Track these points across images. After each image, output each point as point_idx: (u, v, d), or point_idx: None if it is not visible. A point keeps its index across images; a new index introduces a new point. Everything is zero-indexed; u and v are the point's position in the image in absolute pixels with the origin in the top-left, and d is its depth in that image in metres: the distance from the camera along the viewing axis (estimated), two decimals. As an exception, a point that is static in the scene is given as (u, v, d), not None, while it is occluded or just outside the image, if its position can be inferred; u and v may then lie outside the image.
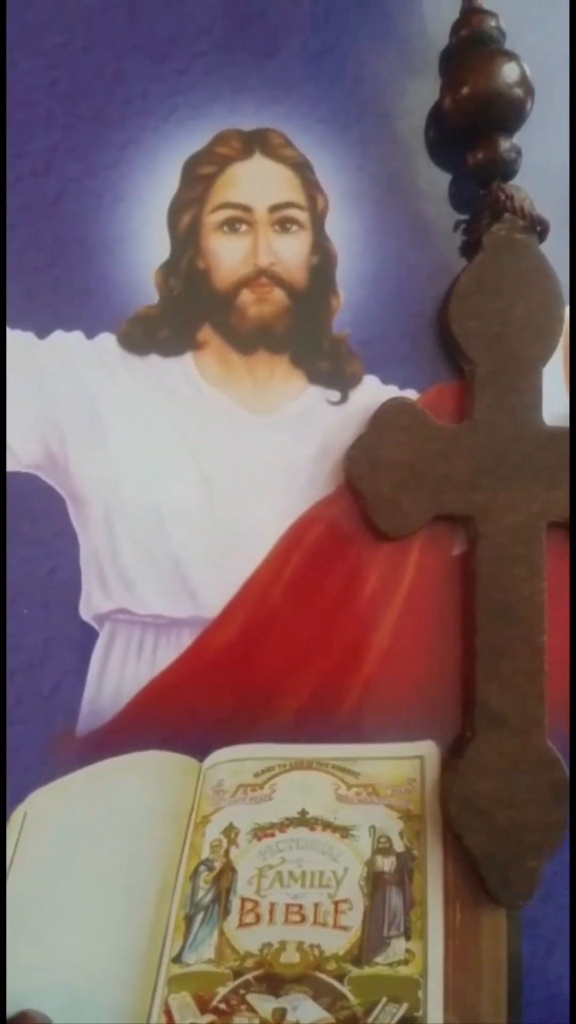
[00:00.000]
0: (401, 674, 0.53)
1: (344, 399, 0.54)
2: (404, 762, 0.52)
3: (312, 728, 0.52)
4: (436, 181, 0.56)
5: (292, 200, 0.54)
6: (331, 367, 0.54)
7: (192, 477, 0.54)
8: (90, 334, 0.54)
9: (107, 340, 0.54)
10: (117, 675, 0.53)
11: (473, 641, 0.52)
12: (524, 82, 0.52)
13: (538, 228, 0.53)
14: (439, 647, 0.53)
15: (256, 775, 0.52)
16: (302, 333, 0.54)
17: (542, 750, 0.51)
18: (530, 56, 0.52)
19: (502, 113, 0.52)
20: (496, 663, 0.51)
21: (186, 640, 0.53)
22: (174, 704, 0.53)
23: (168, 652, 0.53)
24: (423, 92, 0.55)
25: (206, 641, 0.53)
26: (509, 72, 0.51)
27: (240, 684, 0.53)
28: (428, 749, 0.52)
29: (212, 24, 0.56)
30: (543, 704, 0.51)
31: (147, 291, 0.54)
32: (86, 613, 0.53)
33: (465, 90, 0.52)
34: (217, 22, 0.56)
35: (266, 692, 0.53)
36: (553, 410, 0.53)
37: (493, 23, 0.53)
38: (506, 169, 0.53)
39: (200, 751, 0.52)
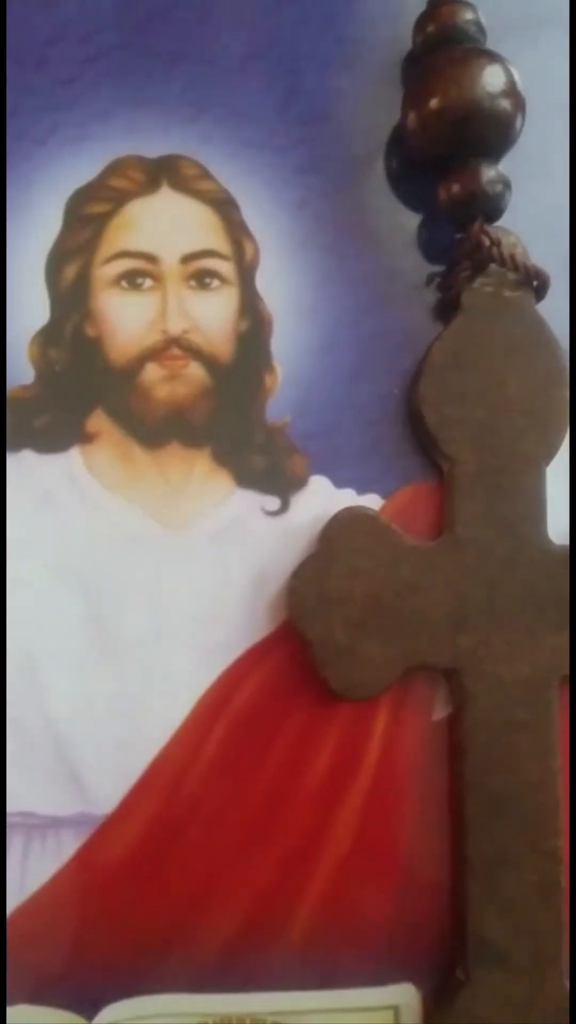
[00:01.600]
0: (366, 890, 0.39)
1: (284, 508, 0.42)
2: (372, 1015, 0.38)
3: (244, 970, 0.39)
4: (401, 222, 0.44)
5: (211, 248, 0.42)
6: (266, 465, 0.43)
7: (77, 617, 0.40)
8: (-58, 425, 0.41)
9: None
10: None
11: (462, 845, 0.38)
12: (512, 92, 0.40)
13: (534, 283, 0.41)
14: (416, 852, 0.40)
15: (168, 1039, 0.38)
16: (227, 421, 0.42)
17: (558, 997, 0.37)
18: (520, 60, 0.40)
19: (483, 132, 0.40)
20: (494, 877, 0.38)
21: (69, 847, 0.39)
22: (52, 938, 0.38)
23: (43, 864, 0.39)
24: (382, 108, 0.44)
25: (96, 848, 0.39)
26: (492, 78, 0.39)
27: (142, 909, 0.39)
28: (405, 996, 0.39)
29: (105, 21, 0.43)
30: (560, 934, 0.37)
31: (19, 366, 0.42)
32: None
33: (433, 102, 0.40)
34: (111, 18, 0.43)
35: (179, 919, 0.39)
36: (560, 523, 0.40)
37: (470, 16, 0.41)
38: (490, 206, 0.41)
39: (88, 1005, 0.39)
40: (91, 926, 0.39)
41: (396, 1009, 0.38)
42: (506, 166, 0.42)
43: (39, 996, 0.38)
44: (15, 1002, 0.38)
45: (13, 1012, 0.38)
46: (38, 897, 0.39)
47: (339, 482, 0.42)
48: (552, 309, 0.42)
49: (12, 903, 0.39)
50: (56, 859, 0.39)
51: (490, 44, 0.42)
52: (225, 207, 0.43)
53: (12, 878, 0.39)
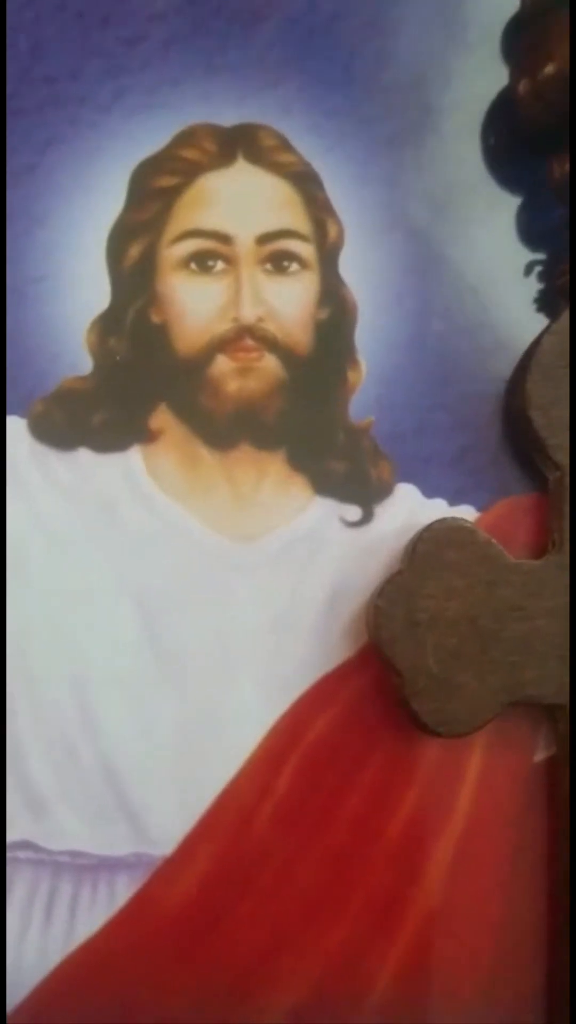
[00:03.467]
0: (455, 950, 0.35)
1: (367, 518, 0.37)
2: None
3: (318, 1037, 0.34)
4: (501, 202, 0.40)
5: (290, 227, 0.38)
6: (348, 471, 0.38)
7: (137, 638, 0.36)
8: (-9, 418, 0.37)
9: (13, 427, 0.37)
10: (14, 944, 0.35)
11: (565, 906, 0.33)
12: None
13: None
14: (511, 909, 0.35)
15: None
16: (305, 421, 0.38)
17: None
18: None
19: (605, 100, 0.35)
20: (608, 945, 0.33)
21: (123, 892, 0.35)
22: (101, 994, 0.34)
23: (95, 910, 0.35)
24: (482, 76, 0.39)
25: (152, 895, 0.35)
26: (618, 39, 0.35)
27: (206, 963, 0.35)
28: (499, 1073, 0.34)
29: (177, -24, 0.39)
30: None
31: (75, 355, 0.38)
32: (-31, 848, 0.35)
33: (550, 68, 0.36)
34: (185, -27, 0.39)
35: (243, 981, 0.35)
36: None
37: (591, -28, 0.36)
38: None
39: None
40: (144, 982, 0.34)
41: None
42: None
43: (88, 1059, 0.34)
44: (60, 1065, 0.34)
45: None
46: (88, 948, 0.35)
47: (428, 491, 0.38)
48: None
49: (59, 954, 0.35)
50: (108, 905, 0.35)
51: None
52: (306, 183, 0.38)
53: (58, 926, 0.35)
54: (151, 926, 0.35)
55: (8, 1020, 0.35)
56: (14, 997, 0.35)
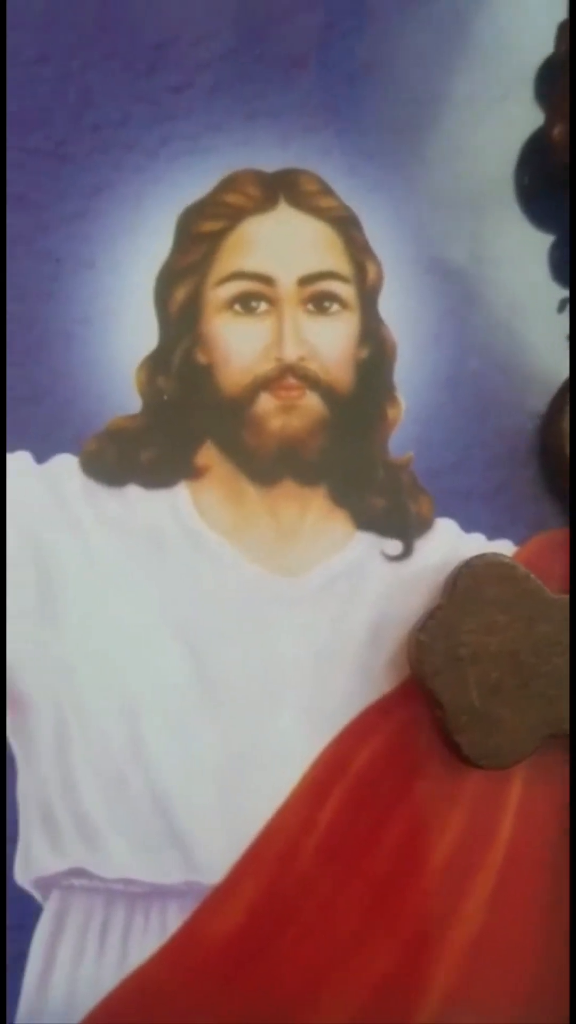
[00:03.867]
0: (494, 981, 0.35)
1: (407, 552, 0.38)
2: None
3: (363, 1064, 0.35)
4: (532, 242, 0.40)
5: (332, 269, 0.39)
6: (388, 506, 0.39)
7: (184, 671, 0.37)
8: (41, 456, 0.38)
9: (65, 464, 0.38)
10: (68, 971, 0.36)
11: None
12: None
13: None
14: (552, 939, 0.36)
15: None
16: (345, 457, 0.39)
17: None
18: None
19: None
20: None
21: (173, 920, 0.36)
22: (155, 1022, 0.35)
23: (147, 938, 0.36)
24: (515, 119, 0.40)
25: (203, 922, 0.36)
26: None
27: (254, 990, 0.35)
28: None
29: (220, 26, 0.40)
30: None
31: (125, 395, 0.38)
32: (23, 876, 0.36)
33: None
34: (227, 22, 0.40)
35: (290, 1007, 0.35)
36: None
37: (625, 19, 0.37)
38: None
39: None
40: (194, 1010, 0.35)
41: None
42: None
43: None
44: None
45: None
46: (141, 974, 0.35)
47: (467, 526, 0.39)
48: None
49: (113, 980, 0.36)
50: (160, 933, 0.36)
51: None
52: (346, 225, 0.39)
53: (111, 952, 0.36)
54: (200, 954, 0.35)
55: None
56: None
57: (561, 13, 0.39)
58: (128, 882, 0.36)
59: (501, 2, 0.41)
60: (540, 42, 0.40)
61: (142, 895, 0.36)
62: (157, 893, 0.36)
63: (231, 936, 0.35)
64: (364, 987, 0.35)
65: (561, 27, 0.39)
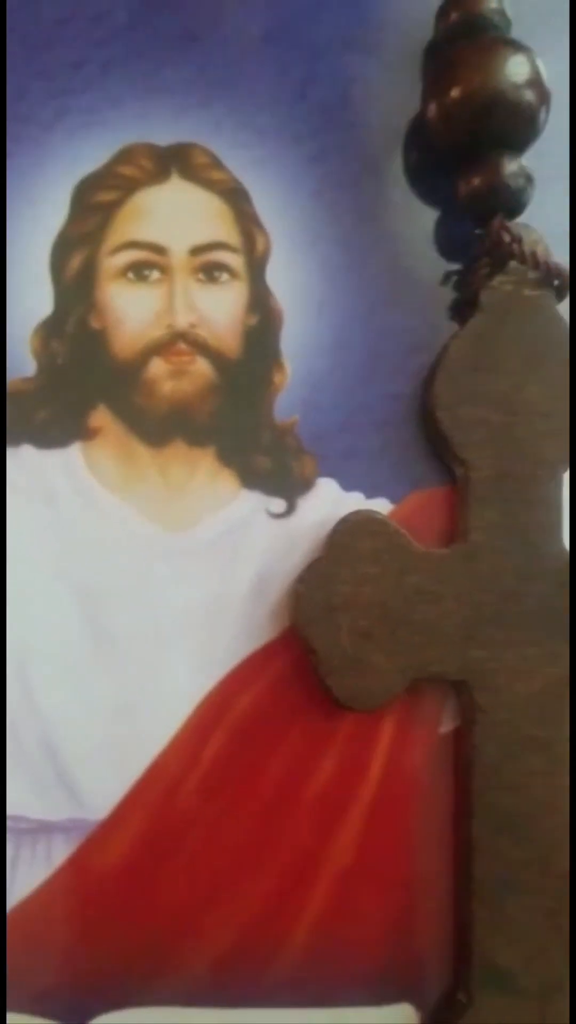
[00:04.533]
0: (365, 906, 0.38)
1: (291, 510, 0.40)
2: (369, 1036, 0.37)
3: (237, 985, 0.38)
4: (418, 217, 0.42)
5: (221, 239, 0.41)
6: (273, 466, 0.41)
7: (74, 620, 0.39)
8: None
9: None
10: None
11: (468, 865, 0.37)
12: (537, 83, 0.38)
13: (555, 281, 0.39)
14: (419, 868, 0.38)
15: (157, 1055, 0.37)
16: (233, 419, 0.41)
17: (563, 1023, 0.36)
18: (545, 53, 0.39)
19: (506, 123, 0.38)
20: (501, 899, 0.36)
21: (60, 853, 0.38)
22: (41, 947, 0.37)
23: (33, 870, 0.38)
24: (402, 97, 0.42)
25: (88, 856, 0.38)
26: (516, 68, 0.38)
27: (134, 920, 0.37)
28: (403, 1017, 0.38)
29: (116, 2, 0.42)
30: (568, 959, 0.36)
31: (20, 358, 0.40)
32: None
33: (455, 92, 0.38)
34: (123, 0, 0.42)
35: (171, 933, 0.38)
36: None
37: (494, 4, 0.39)
38: (512, 201, 0.40)
39: (79, 1016, 0.38)
40: (81, 936, 0.37)
41: (394, 1031, 0.37)
42: (529, 161, 0.40)
43: (29, 1006, 0.37)
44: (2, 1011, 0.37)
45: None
46: (27, 904, 0.37)
47: (347, 485, 0.41)
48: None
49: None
50: (46, 865, 0.38)
51: (515, 36, 0.40)
52: (236, 197, 0.41)
53: None
54: (87, 885, 0.38)
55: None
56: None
57: (440, -2, 0.41)
58: (16, 819, 0.38)
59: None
60: (424, 25, 0.42)
61: (28, 831, 0.38)
62: (43, 829, 0.38)
63: (116, 867, 0.37)
64: (243, 912, 0.37)
65: (440, 11, 0.40)
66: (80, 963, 0.37)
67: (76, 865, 0.37)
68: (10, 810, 0.38)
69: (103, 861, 0.38)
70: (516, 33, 0.40)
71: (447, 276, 0.42)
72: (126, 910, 0.37)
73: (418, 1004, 0.37)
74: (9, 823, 0.38)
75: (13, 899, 0.37)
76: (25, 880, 0.38)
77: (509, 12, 0.40)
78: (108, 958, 0.37)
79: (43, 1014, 0.37)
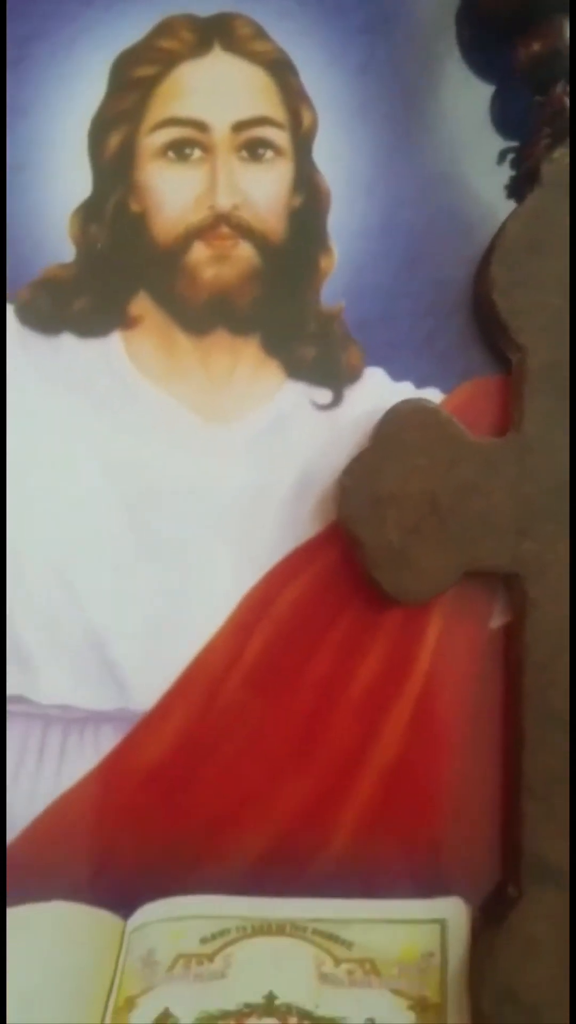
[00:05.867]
0: (414, 801, 0.37)
1: (337, 401, 0.39)
2: (418, 928, 0.37)
3: (283, 877, 0.38)
4: (472, 90, 0.40)
5: (266, 115, 0.39)
6: (319, 356, 0.40)
7: (116, 514, 0.38)
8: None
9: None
10: (8, 790, 0.38)
11: (519, 759, 0.36)
12: None
13: (620, 155, 0.37)
14: (469, 764, 0.38)
15: (203, 941, 0.37)
16: (278, 307, 0.39)
17: (616, 918, 0.35)
18: None
19: (572, -18, 0.35)
20: (552, 794, 0.35)
21: (107, 743, 0.38)
22: (87, 837, 0.37)
23: (80, 760, 0.38)
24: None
25: (134, 746, 0.38)
26: None
27: (181, 811, 0.38)
28: (453, 909, 0.38)
29: None
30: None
31: (58, 243, 0.39)
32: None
33: None
34: None
35: (218, 824, 0.37)
36: None
37: None
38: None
39: (123, 905, 0.38)
40: (125, 825, 0.37)
41: (443, 923, 0.37)
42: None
43: (74, 893, 0.37)
44: (51, 898, 0.37)
45: (49, 907, 0.37)
46: (73, 793, 0.37)
47: (396, 375, 0.39)
48: None
49: (48, 797, 0.38)
50: (94, 754, 0.38)
51: None
52: (281, 70, 0.39)
53: (47, 773, 0.38)
54: (132, 775, 0.38)
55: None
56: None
57: None
58: (65, 708, 0.38)
59: None
60: None
61: (77, 720, 0.38)
62: (91, 719, 0.38)
63: (160, 761, 0.37)
64: (285, 810, 0.37)
65: None
66: (124, 852, 0.37)
67: (122, 754, 0.37)
68: (59, 700, 0.38)
69: (147, 752, 0.37)
70: None
71: (504, 154, 0.40)
72: (169, 801, 0.37)
73: (467, 898, 0.37)
74: (57, 713, 0.38)
75: (61, 786, 0.38)
76: (74, 769, 0.38)
77: None
78: (151, 848, 0.37)
79: (92, 902, 0.37)
